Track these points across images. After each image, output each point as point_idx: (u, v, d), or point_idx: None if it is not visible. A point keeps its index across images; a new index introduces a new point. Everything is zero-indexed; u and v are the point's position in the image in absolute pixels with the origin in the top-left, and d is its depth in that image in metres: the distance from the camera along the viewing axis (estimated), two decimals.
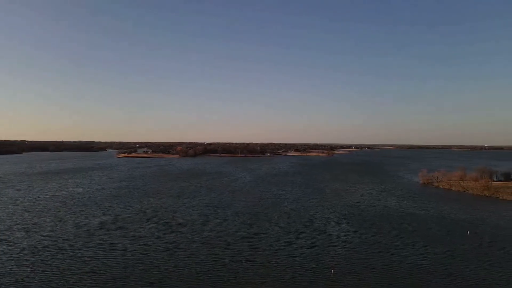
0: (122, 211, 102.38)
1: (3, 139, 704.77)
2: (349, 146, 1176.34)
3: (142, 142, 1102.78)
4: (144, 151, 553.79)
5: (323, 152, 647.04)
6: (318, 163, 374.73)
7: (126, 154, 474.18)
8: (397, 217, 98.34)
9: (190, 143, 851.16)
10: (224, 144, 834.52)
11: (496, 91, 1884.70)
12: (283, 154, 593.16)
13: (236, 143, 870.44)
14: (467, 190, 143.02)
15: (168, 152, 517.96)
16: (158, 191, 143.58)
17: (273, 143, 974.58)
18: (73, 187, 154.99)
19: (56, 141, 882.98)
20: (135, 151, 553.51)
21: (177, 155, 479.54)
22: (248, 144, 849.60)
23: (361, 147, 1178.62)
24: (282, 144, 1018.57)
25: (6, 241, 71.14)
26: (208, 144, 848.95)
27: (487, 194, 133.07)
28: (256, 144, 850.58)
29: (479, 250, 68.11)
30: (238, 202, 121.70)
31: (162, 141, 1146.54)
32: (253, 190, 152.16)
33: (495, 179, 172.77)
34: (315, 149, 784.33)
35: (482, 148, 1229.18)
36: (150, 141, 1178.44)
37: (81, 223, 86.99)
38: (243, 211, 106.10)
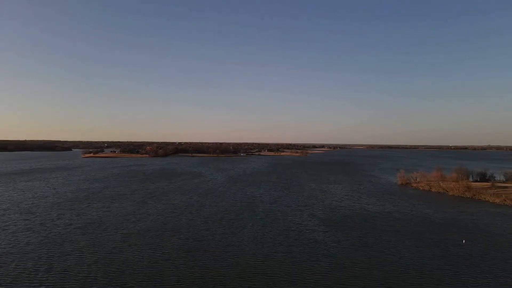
0: (75, 220, 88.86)
1: None
2: (322, 146, 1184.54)
3: (126, 142, 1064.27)
4: (111, 151, 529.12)
5: (296, 152, 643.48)
6: (292, 162, 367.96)
7: (92, 154, 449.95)
8: (382, 221, 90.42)
9: (168, 142, 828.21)
10: (196, 143, 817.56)
11: (459, 94, 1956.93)
12: (257, 154, 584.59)
13: (209, 143, 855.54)
14: (447, 192, 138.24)
15: (137, 152, 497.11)
16: (120, 195, 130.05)
17: (247, 143, 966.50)
18: (24, 191, 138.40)
19: (16, 140, 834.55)
20: (102, 151, 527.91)
21: (147, 155, 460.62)
22: (221, 143, 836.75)
23: (334, 147, 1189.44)
24: (255, 143, 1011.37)
25: None
26: (180, 143, 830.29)
27: (468, 196, 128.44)
28: (229, 144, 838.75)
29: (479, 259, 60.75)
30: (209, 207, 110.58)
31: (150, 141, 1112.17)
32: (225, 192, 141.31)
33: (471, 179, 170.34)
34: (288, 149, 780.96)
35: (448, 148, 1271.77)
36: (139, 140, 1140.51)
37: (20, 237, 73.14)
38: (214, 217, 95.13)
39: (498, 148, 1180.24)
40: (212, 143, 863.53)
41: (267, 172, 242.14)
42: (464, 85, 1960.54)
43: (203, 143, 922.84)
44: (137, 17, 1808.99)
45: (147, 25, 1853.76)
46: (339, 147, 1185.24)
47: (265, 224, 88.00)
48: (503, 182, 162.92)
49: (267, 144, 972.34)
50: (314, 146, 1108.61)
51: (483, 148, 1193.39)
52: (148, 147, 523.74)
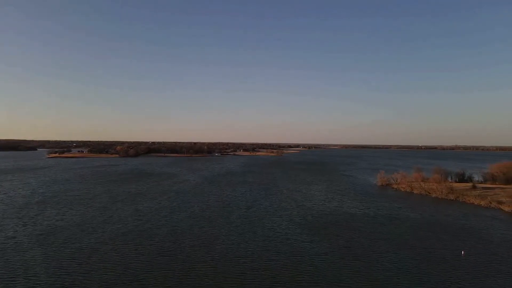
0: (19, 232, 76.20)
1: None
2: (297, 146, 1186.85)
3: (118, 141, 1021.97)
4: (79, 151, 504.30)
5: (272, 152, 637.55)
6: (268, 162, 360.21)
7: (57, 154, 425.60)
8: (368, 227, 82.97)
9: (139, 142, 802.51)
10: (170, 143, 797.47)
11: (429, 95, 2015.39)
12: (232, 153, 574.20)
13: (182, 142, 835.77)
14: (430, 193, 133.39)
15: (107, 152, 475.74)
16: (79, 200, 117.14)
17: (221, 143, 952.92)
18: None
19: None
20: (69, 151, 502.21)
21: (117, 155, 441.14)
22: (195, 143, 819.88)
23: (309, 146, 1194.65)
24: (230, 143, 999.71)
25: None
26: (154, 143, 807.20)
27: (452, 198, 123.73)
28: (203, 143, 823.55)
29: (480, 269, 53.89)
30: (178, 212, 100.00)
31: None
32: (198, 195, 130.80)
33: (450, 180, 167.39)
34: (263, 148, 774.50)
35: (419, 148, 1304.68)
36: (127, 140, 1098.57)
37: None
38: (184, 226, 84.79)
39: (465, 148, 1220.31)
40: (187, 142, 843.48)
41: (242, 172, 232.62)
42: (432, 88, 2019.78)
43: (177, 142, 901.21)
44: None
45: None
46: (314, 147, 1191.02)
47: (241, 233, 78.58)
48: (482, 182, 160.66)
49: (243, 144, 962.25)
50: (290, 146, 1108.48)
51: (452, 148, 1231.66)
52: (118, 147, 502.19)
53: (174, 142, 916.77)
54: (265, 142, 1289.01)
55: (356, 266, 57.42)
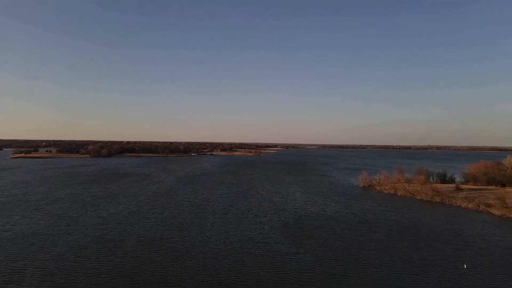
0: None
1: None
2: (275, 146, 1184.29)
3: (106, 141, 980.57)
4: (47, 151, 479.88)
5: (250, 152, 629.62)
6: (246, 162, 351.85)
7: (22, 154, 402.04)
8: (358, 235, 76.02)
9: (113, 141, 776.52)
10: (145, 142, 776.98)
11: (401, 97, 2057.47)
12: (209, 153, 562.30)
13: (158, 142, 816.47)
14: (415, 195, 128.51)
15: (77, 152, 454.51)
16: (37, 205, 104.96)
17: (198, 142, 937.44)
18: None
19: None
20: (36, 151, 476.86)
21: (88, 155, 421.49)
22: (171, 143, 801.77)
23: (287, 146, 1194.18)
24: (208, 143, 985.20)
25: None
26: (128, 142, 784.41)
27: (438, 200, 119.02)
28: (179, 143, 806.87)
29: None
30: (147, 220, 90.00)
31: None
32: (170, 199, 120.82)
33: (432, 180, 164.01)
34: (241, 148, 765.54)
35: (394, 148, 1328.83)
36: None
37: None
38: (153, 236, 75.10)
39: (438, 148, 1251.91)
40: (163, 142, 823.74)
41: (219, 173, 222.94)
42: (404, 89, 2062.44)
43: (153, 142, 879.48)
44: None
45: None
46: (292, 147, 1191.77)
47: (217, 244, 69.71)
48: (464, 183, 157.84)
49: (220, 144, 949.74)
50: (268, 146, 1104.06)
51: (425, 148, 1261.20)
52: (90, 146, 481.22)
53: (149, 142, 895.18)
54: (243, 142, 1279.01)
55: (347, 281, 49.86)
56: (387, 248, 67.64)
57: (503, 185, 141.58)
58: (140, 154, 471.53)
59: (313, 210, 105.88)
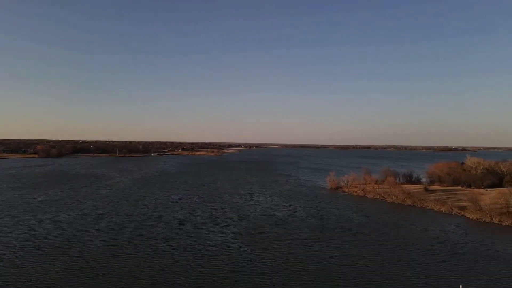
0: None
1: None
2: (238, 145, 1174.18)
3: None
4: None
5: (212, 151, 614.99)
6: (208, 163, 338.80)
7: None
8: (330, 246, 67.52)
9: (67, 141, 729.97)
10: (101, 142, 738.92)
11: (362, 98, 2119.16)
12: (169, 153, 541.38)
13: (116, 141, 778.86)
14: (385, 198, 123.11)
15: (24, 152, 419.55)
16: None
17: (159, 142, 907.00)
18: None
19: None
20: None
21: (36, 155, 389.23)
22: (130, 142, 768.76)
23: (250, 146, 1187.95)
24: (169, 142, 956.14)
25: None
26: (84, 141, 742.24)
27: (409, 203, 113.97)
28: (139, 142, 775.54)
29: None
30: (90, 232, 76.39)
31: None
32: (122, 205, 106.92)
33: (399, 181, 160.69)
34: (204, 148, 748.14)
35: (354, 147, 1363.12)
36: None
37: None
38: (95, 252, 62.08)
39: (396, 147, 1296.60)
40: (120, 141, 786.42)
41: (178, 174, 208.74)
42: (366, 91, 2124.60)
43: (111, 141, 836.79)
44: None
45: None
46: (255, 146, 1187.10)
47: (171, 261, 58.07)
48: (430, 184, 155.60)
49: (181, 143, 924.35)
50: (230, 146, 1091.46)
51: (383, 148, 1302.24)
52: (38, 146, 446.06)
53: (107, 141, 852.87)
54: (205, 141, 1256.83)
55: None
56: (363, 264, 59.39)
57: (469, 186, 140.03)
58: (94, 154, 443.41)
59: (280, 216, 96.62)
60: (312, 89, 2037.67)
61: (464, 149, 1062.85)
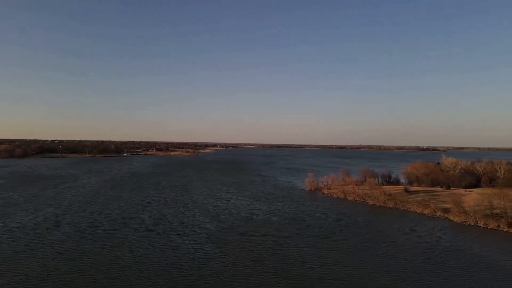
0: None
1: None
2: (214, 145, 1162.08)
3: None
4: None
5: (188, 151, 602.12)
6: (183, 163, 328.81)
7: None
8: (312, 255, 61.82)
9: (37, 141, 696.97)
10: (71, 142, 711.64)
11: (336, 97, 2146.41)
12: (143, 153, 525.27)
13: (87, 141, 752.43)
14: (366, 200, 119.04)
15: None
16: None
17: (132, 141, 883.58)
18: None
19: None
20: None
21: None
22: (102, 142, 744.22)
23: (226, 146, 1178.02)
24: (143, 142, 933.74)
25: None
26: (53, 141, 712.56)
27: (391, 206, 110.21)
28: (111, 142, 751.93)
29: None
30: (45, 242, 67.35)
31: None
32: (85, 210, 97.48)
33: (377, 182, 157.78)
34: (179, 147, 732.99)
35: (330, 147, 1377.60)
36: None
37: None
38: (48, 265, 53.57)
39: (370, 147, 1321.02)
40: (93, 141, 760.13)
41: (151, 175, 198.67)
42: (342, 93, 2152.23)
43: (81, 140, 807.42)
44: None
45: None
46: (232, 146, 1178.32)
47: (135, 276, 50.56)
48: (409, 184, 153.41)
49: (156, 143, 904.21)
50: (206, 145, 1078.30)
51: (358, 148, 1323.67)
52: (1, 146, 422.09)
53: (78, 141, 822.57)
54: (181, 141, 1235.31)
55: None
56: (347, 274, 53.92)
57: (448, 187, 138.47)
58: (63, 154, 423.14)
59: (257, 221, 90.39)
60: (288, 89, 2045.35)
61: (434, 149, 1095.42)
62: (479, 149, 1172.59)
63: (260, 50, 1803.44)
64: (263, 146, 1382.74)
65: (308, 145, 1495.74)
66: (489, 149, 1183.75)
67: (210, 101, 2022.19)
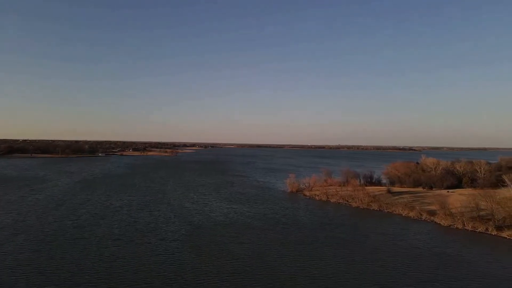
0: None
1: None
2: (193, 145, 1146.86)
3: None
4: None
5: (166, 152, 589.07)
6: (160, 163, 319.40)
7: None
8: (292, 261, 56.65)
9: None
10: (43, 141, 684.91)
11: (314, 96, 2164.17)
12: (119, 153, 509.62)
13: (60, 140, 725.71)
14: (349, 202, 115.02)
15: None
16: None
17: (108, 141, 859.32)
18: None
19: None
20: None
21: None
22: (77, 141, 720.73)
23: (205, 145, 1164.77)
24: (119, 142, 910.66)
25: None
26: (24, 141, 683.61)
27: (375, 208, 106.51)
28: (86, 141, 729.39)
29: None
30: (4, 252, 59.56)
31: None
32: (49, 215, 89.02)
33: (359, 183, 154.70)
34: (157, 147, 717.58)
35: (309, 147, 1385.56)
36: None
37: None
38: (5, 283, 46.25)
39: (348, 147, 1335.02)
40: (63, 140, 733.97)
41: (125, 177, 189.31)
42: (321, 92, 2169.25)
43: (54, 140, 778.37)
44: None
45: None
46: (211, 146, 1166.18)
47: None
48: (391, 185, 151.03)
49: (133, 143, 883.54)
50: (185, 145, 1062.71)
51: (337, 148, 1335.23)
52: None
53: (50, 140, 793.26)
54: (159, 141, 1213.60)
55: None
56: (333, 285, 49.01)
57: (431, 187, 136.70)
58: (33, 154, 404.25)
59: (237, 226, 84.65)
60: (268, 88, 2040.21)
61: (411, 149, 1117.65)
62: (452, 149, 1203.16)
63: (236, 50, 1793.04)
64: (242, 146, 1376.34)
65: (288, 145, 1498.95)
66: (461, 149, 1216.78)
67: (191, 103, 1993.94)
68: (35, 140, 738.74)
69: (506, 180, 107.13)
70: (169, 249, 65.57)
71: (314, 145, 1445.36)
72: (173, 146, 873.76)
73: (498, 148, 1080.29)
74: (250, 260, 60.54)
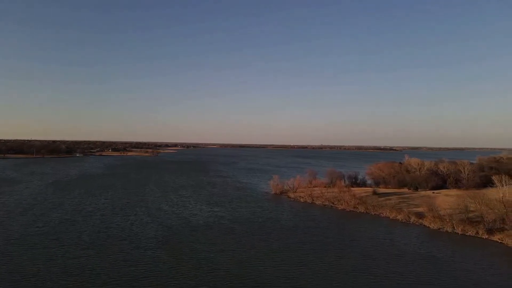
0: None
1: None
2: (175, 145, 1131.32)
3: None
4: None
5: (146, 152, 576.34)
6: (139, 163, 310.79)
7: None
8: (276, 271, 52.25)
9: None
10: (17, 141, 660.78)
11: (298, 96, 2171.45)
12: (98, 154, 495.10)
13: (36, 140, 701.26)
14: (335, 204, 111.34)
15: None
16: None
17: (87, 141, 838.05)
18: None
19: None
20: None
21: None
22: (54, 141, 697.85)
23: (187, 145, 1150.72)
24: (98, 142, 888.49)
25: None
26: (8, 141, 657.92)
27: (362, 210, 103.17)
28: (63, 141, 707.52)
29: None
30: None
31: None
32: (17, 219, 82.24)
33: (344, 184, 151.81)
34: (137, 147, 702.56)
35: (292, 147, 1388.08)
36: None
37: None
38: None
39: (331, 147, 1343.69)
40: (43, 140, 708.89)
41: (102, 177, 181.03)
42: (304, 92, 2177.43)
43: (33, 140, 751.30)
44: None
45: None
46: (193, 146, 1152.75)
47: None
48: (376, 186, 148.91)
49: (113, 143, 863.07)
50: (167, 145, 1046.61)
51: (320, 148, 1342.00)
52: None
53: (27, 140, 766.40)
54: (141, 141, 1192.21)
55: None
56: None
57: (416, 188, 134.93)
58: (6, 155, 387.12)
59: (218, 232, 79.63)
60: (251, 88, 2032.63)
61: (391, 149, 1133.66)
62: (431, 149, 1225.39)
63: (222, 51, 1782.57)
64: (225, 146, 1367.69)
65: (270, 145, 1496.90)
66: (439, 149, 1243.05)
67: (173, 103, 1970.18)
68: (10, 140, 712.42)
69: (495, 180, 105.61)
70: (144, 259, 60.10)
71: (297, 145, 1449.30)
72: (155, 146, 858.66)
73: (474, 148, 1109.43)
74: (231, 269, 55.78)
